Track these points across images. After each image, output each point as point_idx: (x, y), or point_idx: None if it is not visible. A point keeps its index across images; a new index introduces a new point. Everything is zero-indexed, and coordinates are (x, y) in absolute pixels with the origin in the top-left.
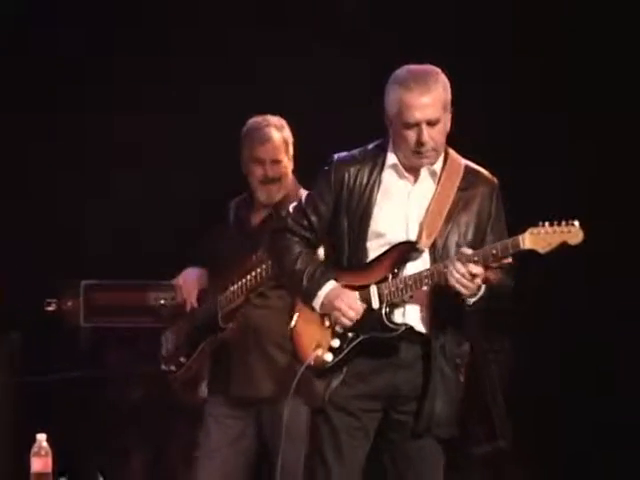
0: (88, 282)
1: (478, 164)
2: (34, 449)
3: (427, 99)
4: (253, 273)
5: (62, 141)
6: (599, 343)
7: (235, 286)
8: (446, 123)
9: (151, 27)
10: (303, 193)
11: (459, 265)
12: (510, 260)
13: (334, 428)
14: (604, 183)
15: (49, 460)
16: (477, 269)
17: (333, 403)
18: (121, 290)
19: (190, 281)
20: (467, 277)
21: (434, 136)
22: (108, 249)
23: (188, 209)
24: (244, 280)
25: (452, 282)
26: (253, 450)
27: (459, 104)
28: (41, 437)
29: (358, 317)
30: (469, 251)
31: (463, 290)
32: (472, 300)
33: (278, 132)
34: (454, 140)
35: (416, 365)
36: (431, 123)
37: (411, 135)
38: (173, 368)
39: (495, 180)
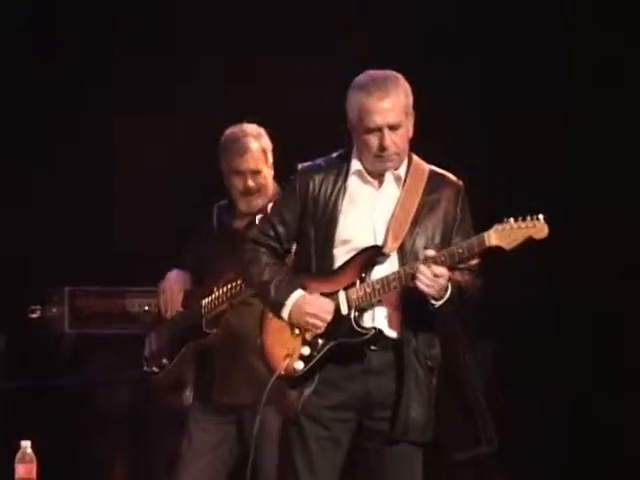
0: (72, 288)
1: (443, 168)
2: (18, 455)
3: (387, 103)
4: (238, 280)
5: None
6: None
7: (220, 291)
8: (408, 128)
9: (151, 27)
10: None
11: (423, 266)
12: (477, 261)
13: (304, 437)
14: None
15: (33, 467)
16: (441, 270)
17: (305, 412)
18: (105, 296)
19: (175, 286)
20: (432, 279)
21: (396, 140)
22: (106, 251)
23: (188, 209)
24: (228, 286)
25: (417, 284)
26: (235, 456)
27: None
28: (25, 444)
29: (330, 318)
30: (432, 252)
31: (428, 291)
32: (439, 303)
33: (256, 142)
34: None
35: (389, 371)
36: (392, 127)
37: (373, 140)
38: (155, 370)
39: (460, 183)
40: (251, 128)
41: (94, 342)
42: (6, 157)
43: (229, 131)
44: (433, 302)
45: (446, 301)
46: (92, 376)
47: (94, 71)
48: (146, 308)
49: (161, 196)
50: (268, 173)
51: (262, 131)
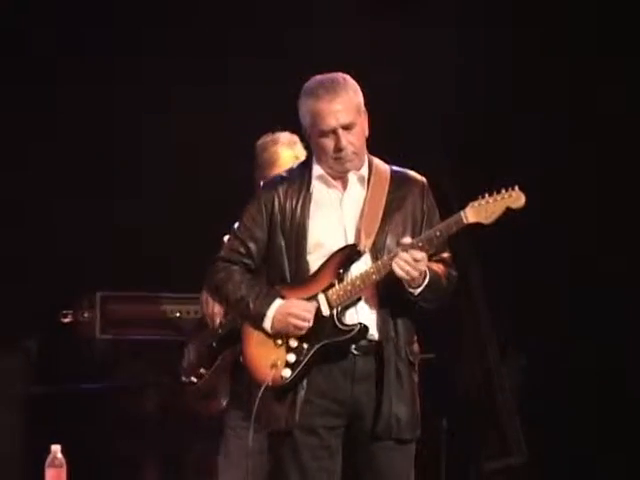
0: (104, 294)
1: (404, 167)
2: (49, 460)
3: (338, 105)
4: None
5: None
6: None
7: None
8: (363, 127)
9: (151, 28)
10: None
11: (403, 253)
12: (449, 254)
13: (297, 449)
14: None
15: (63, 471)
16: (421, 254)
17: (299, 423)
18: (137, 302)
19: None
20: (412, 264)
21: (352, 140)
22: (138, 256)
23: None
24: None
25: (397, 271)
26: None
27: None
28: (56, 448)
29: (312, 317)
30: (409, 239)
31: (408, 278)
32: (418, 290)
33: (289, 150)
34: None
35: (374, 376)
36: (346, 127)
37: (329, 143)
38: (193, 379)
39: (424, 179)
40: (284, 137)
41: (125, 347)
42: (43, 164)
43: (261, 140)
44: (412, 290)
45: (425, 288)
46: (123, 381)
47: (94, 71)
48: (177, 314)
49: (196, 201)
50: None
51: (296, 139)
